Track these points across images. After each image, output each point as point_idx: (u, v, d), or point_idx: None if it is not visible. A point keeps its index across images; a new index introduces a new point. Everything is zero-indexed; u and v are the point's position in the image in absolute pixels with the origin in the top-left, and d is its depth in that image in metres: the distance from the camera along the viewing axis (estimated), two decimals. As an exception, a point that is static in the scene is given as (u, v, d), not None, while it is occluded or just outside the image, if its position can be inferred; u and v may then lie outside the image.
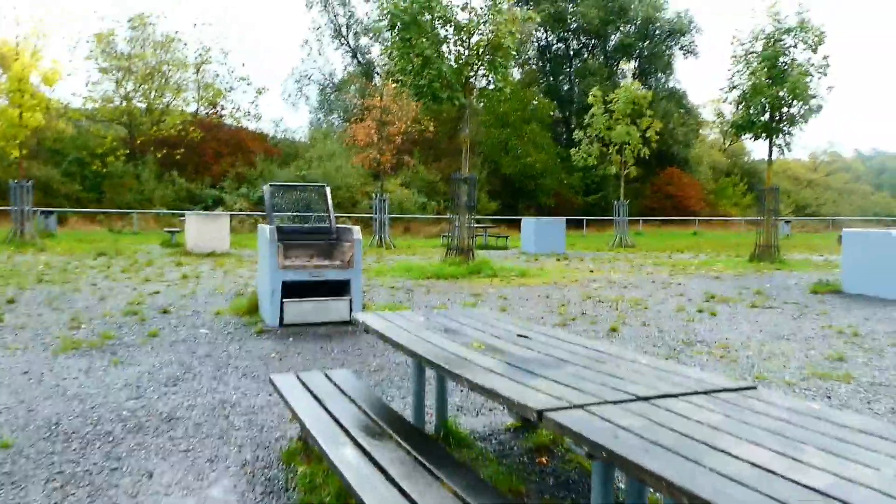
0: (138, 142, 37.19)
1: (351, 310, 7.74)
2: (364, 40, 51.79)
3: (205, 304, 9.24)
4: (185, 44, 53.79)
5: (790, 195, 66.13)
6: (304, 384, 3.99)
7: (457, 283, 12.34)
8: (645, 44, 52.24)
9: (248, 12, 75.75)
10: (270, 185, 8.58)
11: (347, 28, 51.37)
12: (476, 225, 27.71)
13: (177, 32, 50.38)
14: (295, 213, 8.67)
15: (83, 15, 69.97)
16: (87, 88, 43.09)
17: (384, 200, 22.50)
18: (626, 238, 25.66)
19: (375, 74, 51.06)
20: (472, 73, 14.24)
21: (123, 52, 38.48)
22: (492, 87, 14.07)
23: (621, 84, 26.64)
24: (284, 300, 7.51)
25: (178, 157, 36.82)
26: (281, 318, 7.53)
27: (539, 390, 2.40)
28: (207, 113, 42.31)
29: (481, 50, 13.90)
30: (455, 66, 13.78)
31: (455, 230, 14.21)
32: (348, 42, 51.57)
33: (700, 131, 57.17)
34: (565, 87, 52.80)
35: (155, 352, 6.45)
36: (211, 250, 18.00)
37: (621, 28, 52.10)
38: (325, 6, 50.23)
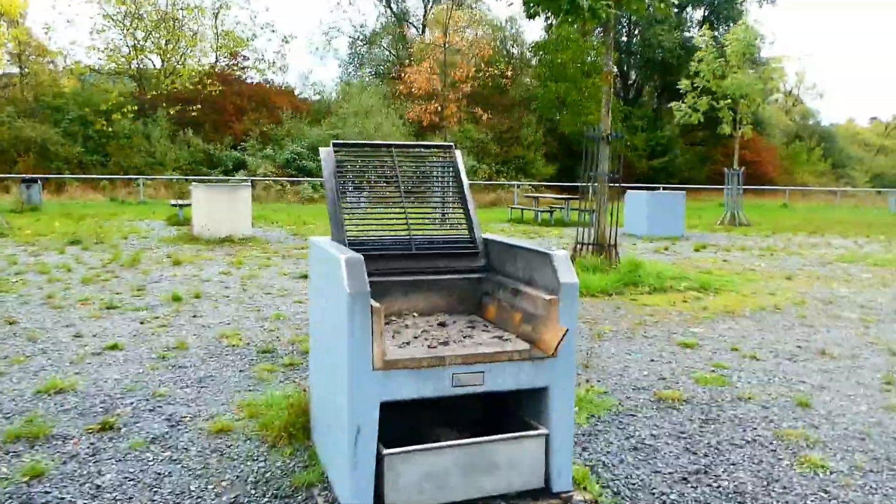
0: (149, 97, 32.53)
1: (548, 460, 3.05)
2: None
3: (197, 392, 4.56)
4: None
5: (863, 162, 60.32)
6: None
7: (618, 307, 7.55)
8: (714, -11, 46.18)
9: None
10: (335, 144, 3.86)
11: (380, -27, 45.97)
12: (557, 196, 22.76)
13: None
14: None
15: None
16: (91, 37, 38.44)
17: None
18: (739, 214, 20.63)
19: (410, 26, 45.76)
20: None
21: (131, -5, 33.62)
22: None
23: (732, 27, 21.32)
24: (386, 452, 2.83)
25: (193, 114, 32.13)
26: (379, 496, 2.85)
27: None
28: (227, 64, 37.46)
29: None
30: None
31: (591, 215, 9.44)
32: (381, -11, 46.18)
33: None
34: (623, 38, 47.09)
35: None
36: (227, 234, 13.40)
37: (688, -29, 46.16)
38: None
